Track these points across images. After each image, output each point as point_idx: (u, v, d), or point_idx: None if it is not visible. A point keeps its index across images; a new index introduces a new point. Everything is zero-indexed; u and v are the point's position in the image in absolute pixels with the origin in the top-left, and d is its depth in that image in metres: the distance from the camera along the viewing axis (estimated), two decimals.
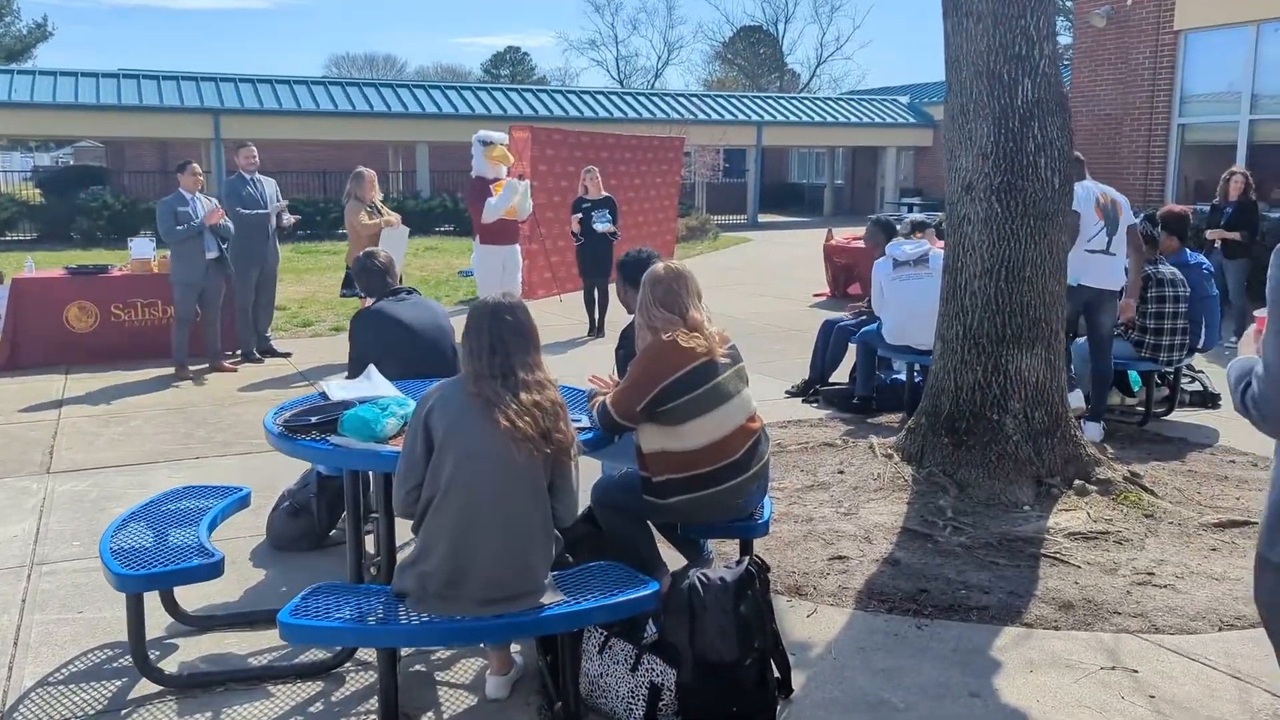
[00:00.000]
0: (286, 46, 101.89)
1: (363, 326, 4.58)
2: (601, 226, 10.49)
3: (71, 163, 40.47)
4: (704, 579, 3.16)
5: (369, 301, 4.86)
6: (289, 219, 9.43)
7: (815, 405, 7.46)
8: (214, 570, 3.28)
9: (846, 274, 13.74)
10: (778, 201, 34.32)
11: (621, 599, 2.99)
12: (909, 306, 6.94)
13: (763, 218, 30.33)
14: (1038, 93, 5.10)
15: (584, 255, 10.71)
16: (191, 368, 8.61)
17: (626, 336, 4.28)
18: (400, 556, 3.28)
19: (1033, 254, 5.14)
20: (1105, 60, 15.49)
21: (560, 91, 30.21)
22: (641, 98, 30.01)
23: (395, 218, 9.22)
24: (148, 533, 3.54)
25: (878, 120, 31.05)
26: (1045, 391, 5.18)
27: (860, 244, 13.57)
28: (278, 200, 9.39)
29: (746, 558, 3.29)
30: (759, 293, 14.43)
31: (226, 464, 6.06)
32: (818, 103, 32.23)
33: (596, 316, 10.77)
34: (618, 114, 27.75)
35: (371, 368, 4.09)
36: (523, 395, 2.95)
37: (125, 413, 7.31)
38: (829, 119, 30.43)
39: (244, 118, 24.00)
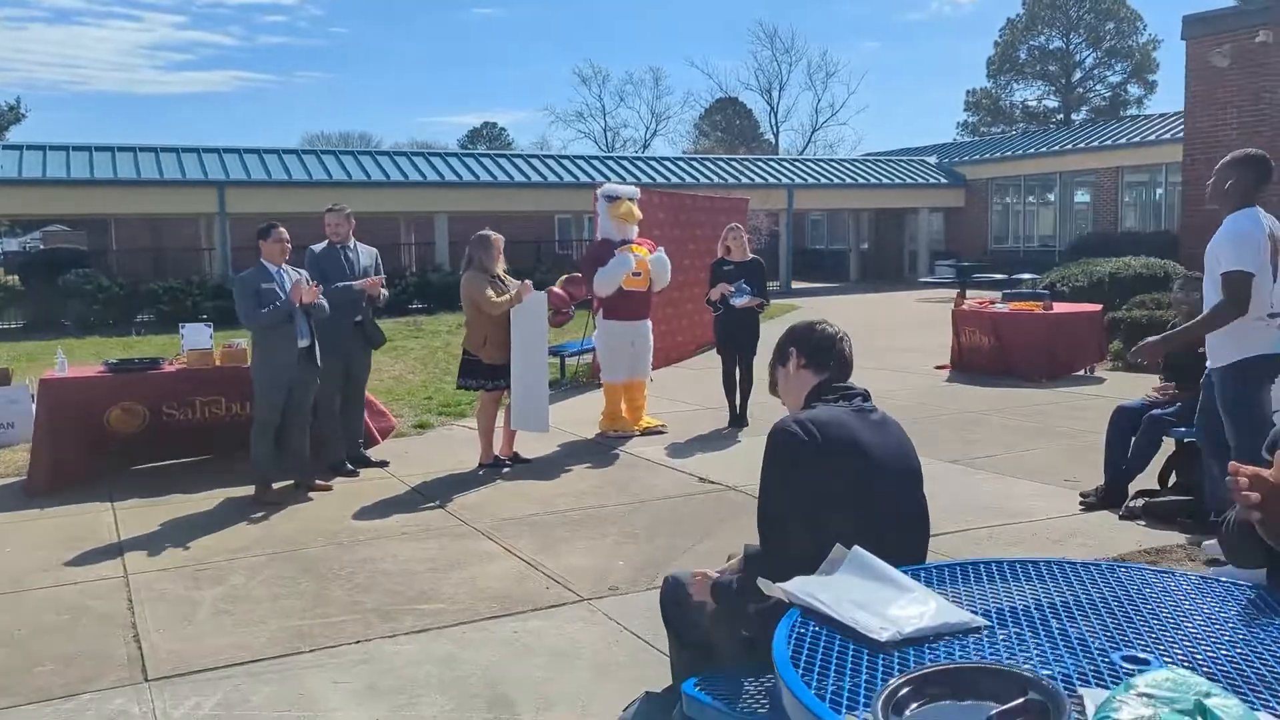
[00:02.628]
0: (256, 128, 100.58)
1: (799, 454, 2.54)
2: (740, 300, 8.66)
3: (42, 247, 38.33)
4: None
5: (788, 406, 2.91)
6: (384, 293, 7.54)
7: (1142, 524, 5.60)
8: None
9: None
10: (798, 268, 32.80)
11: None
12: None
13: (793, 284, 28.81)
14: None
15: (723, 328, 8.90)
16: (275, 485, 6.70)
17: None
18: None
19: None
20: (1229, 103, 14.09)
21: (597, 158, 28.72)
22: (685, 162, 28.61)
23: (525, 284, 7.33)
24: None
25: (909, 181, 29.76)
26: None
27: (1000, 308, 11.90)
28: (379, 273, 7.54)
29: None
30: (860, 365, 12.65)
31: (408, 654, 4.10)
32: (845, 165, 30.96)
33: (738, 402, 8.93)
34: (645, 180, 26.28)
35: (857, 554, 2.22)
36: None
37: (215, 561, 5.35)
38: (860, 180, 29.10)
39: (252, 190, 22.26)
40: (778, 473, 2.54)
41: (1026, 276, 14.51)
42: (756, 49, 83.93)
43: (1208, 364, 4.65)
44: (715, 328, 9.01)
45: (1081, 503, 5.92)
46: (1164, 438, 5.84)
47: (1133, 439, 5.85)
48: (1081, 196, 27.69)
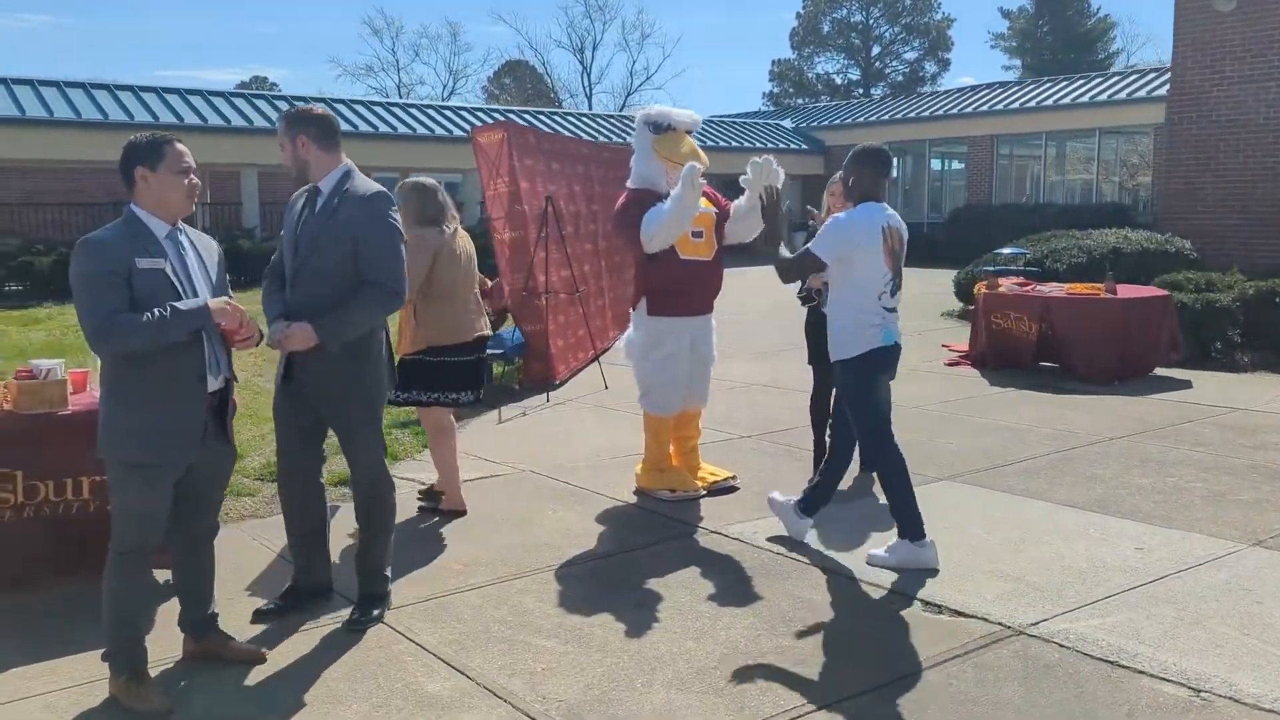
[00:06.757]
0: None
1: None
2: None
3: None
4: None
5: None
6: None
7: None
8: None
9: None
10: None
11: None
12: None
13: None
14: None
15: (822, 332, 6.00)
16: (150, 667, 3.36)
17: None
18: None
19: None
20: (1228, 54, 12.38)
21: (448, 108, 24.86)
22: (549, 116, 25.25)
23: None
24: None
25: (768, 146, 27.58)
26: None
27: (1050, 292, 9.52)
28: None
29: None
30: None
31: None
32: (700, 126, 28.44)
33: (827, 436, 6.07)
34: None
35: None
36: None
37: None
38: (723, 144, 26.70)
39: None
40: None
41: (1006, 251, 12.40)
42: (569, 5, 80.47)
43: (832, 355, 4.72)
44: (808, 330, 6.09)
45: None
46: None
47: None
48: (949, 165, 26.40)
